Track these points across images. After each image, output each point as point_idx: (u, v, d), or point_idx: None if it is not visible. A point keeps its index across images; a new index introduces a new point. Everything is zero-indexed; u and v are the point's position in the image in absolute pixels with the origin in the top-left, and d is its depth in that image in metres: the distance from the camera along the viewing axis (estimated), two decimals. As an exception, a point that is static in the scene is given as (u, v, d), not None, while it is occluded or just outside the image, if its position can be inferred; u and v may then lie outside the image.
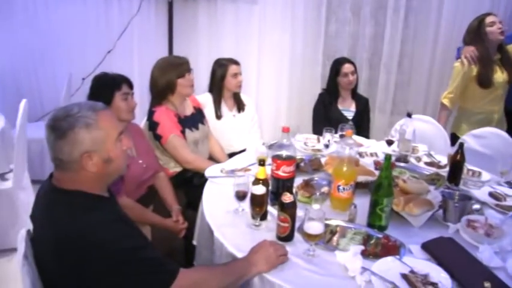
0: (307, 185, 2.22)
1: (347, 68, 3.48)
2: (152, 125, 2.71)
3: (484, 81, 3.15)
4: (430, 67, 3.87)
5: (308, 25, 3.91)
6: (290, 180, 2.02)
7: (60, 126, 1.37)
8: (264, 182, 1.90)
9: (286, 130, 2.02)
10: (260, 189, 1.84)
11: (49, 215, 1.40)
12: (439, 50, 3.82)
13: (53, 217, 1.39)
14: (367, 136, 3.49)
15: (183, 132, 2.76)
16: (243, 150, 3.17)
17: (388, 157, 1.87)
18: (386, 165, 1.86)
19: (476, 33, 3.18)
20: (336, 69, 3.52)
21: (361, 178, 2.19)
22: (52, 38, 4.08)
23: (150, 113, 2.74)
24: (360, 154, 2.76)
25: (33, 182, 3.29)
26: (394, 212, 1.95)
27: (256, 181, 1.90)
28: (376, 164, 2.59)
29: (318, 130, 3.36)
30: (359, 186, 2.15)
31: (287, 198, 1.73)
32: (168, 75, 2.74)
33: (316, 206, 2.03)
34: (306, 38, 3.94)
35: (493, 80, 3.16)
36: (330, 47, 4.03)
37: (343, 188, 2.01)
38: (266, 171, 1.94)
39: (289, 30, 3.91)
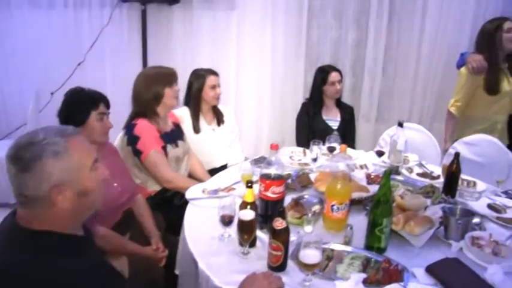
0: (296, 204, 2.07)
1: (334, 76, 3.34)
2: (132, 139, 2.52)
3: (492, 87, 3.02)
4: (415, 73, 3.77)
5: (289, 31, 3.76)
6: (280, 201, 1.86)
7: (22, 157, 1.17)
8: (252, 206, 1.74)
9: (274, 148, 1.86)
10: (249, 215, 1.68)
11: (14, 260, 1.17)
12: (424, 55, 3.72)
13: (18, 263, 1.16)
14: (353, 146, 3.37)
15: (164, 148, 2.58)
16: (224, 166, 3.04)
17: (387, 173, 1.73)
18: (385, 181, 1.72)
19: (491, 37, 3.03)
20: (322, 77, 3.37)
21: (354, 195, 2.04)
22: (17, 51, 3.84)
23: (130, 127, 2.54)
24: (349, 167, 2.62)
25: (0, 205, 3.09)
26: (392, 231, 1.81)
27: (244, 205, 1.74)
28: (368, 178, 2.44)
29: (302, 142, 3.22)
30: (352, 203, 2.01)
31: (279, 224, 1.57)
32: (156, 85, 2.59)
33: (308, 228, 1.90)
34: (286, 45, 3.79)
35: (501, 87, 3.04)
36: (312, 54, 3.88)
37: (338, 208, 1.86)
38: (254, 193, 1.77)
39: (269, 36, 3.75)
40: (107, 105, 2.21)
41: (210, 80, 2.98)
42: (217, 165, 3.08)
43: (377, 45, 3.74)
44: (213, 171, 2.82)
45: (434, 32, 3.68)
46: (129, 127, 2.55)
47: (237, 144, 3.26)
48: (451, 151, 2.82)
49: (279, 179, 1.82)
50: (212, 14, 3.73)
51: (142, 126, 2.52)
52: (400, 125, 2.59)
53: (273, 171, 1.82)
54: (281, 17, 3.72)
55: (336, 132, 3.36)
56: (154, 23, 3.76)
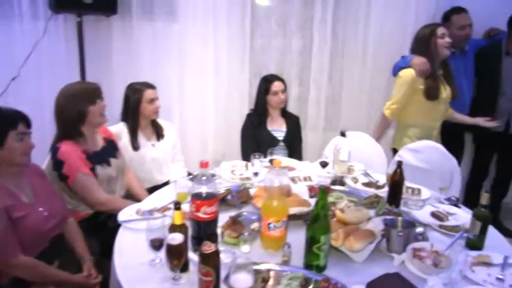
0: (234, 222, 1.97)
1: (277, 86, 3.28)
2: (57, 164, 2.36)
3: (432, 93, 3.03)
4: (361, 80, 3.76)
5: (232, 41, 3.65)
6: (212, 222, 1.76)
7: None
8: (182, 228, 1.63)
9: (204, 165, 1.75)
10: (177, 238, 1.57)
11: None
12: (369, 63, 3.72)
13: None
14: (300, 157, 3.31)
15: (93, 169, 2.43)
16: (167, 183, 2.91)
17: (323, 189, 1.65)
18: (321, 197, 1.64)
19: (427, 42, 3.04)
20: (265, 87, 3.30)
21: (294, 210, 1.97)
22: None
23: (54, 150, 2.38)
24: (293, 179, 2.55)
25: None
26: (332, 247, 1.74)
27: (173, 228, 1.63)
28: (311, 191, 2.38)
29: (247, 154, 3.13)
30: (292, 218, 1.93)
31: (207, 248, 1.47)
32: (79, 103, 2.41)
33: (245, 248, 1.81)
34: (230, 55, 3.69)
35: (440, 93, 3.05)
36: (257, 63, 3.80)
37: (275, 226, 1.78)
38: (184, 215, 1.66)
39: (212, 47, 3.64)
40: (27, 125, 2.05)
41: (148, 93, 2.86)
42: (159, 182, 2.96)
43: (322, 53, 3.70)
44: (155, 189, 2.68)
45: (378, 39, 3.68)
46: (53, 151, 2.40)
47: (179, 159, 3.14)
48: (396, 159, 2.80)
49: (211, 198, 1.72)
50: (153, 25, 3.58)
51: (66, 149, 2.37)
52: (343, 134, 2.55)
53: (204, 190, 1.73)
54: (223, 28, 3.62)
55: (281, 143, 3.30)
56: (92, 35, 3.58)
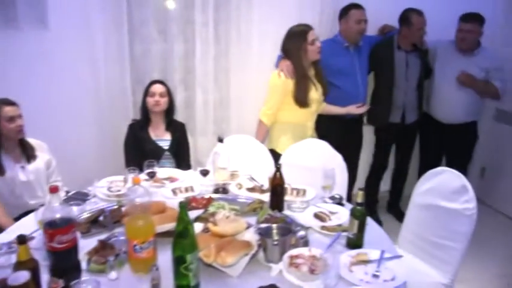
0: (104, 246, 1.81)
1: (155, 87, 3.17)
2: None
3: (301, 100, 3.02)
4: (247, 80, 3.68)
5: (109, 48, 3.39)
6: (72, 250, 1.60)
7: None
8: (29, 264, 1.45)
9: (54, 190, 1.58)
10: (21, 277, 1.38)
11: None
12: (254, 62, 3.65)
13: None
14: (188, 166, 3.19)
15: None
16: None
17: (182, 205, 1.54)
18: (182, 214, 1.53)
19: (296, 44, 3.01)
20: (146, 90, 3.21)
21: (165, 227, 1.84)
22: None
23: None
24: (174, 191, 2.43)
25: None
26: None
27: (18, 265, 1.44)
28: (190, 202, 2.26)
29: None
30: (165, 235, 1.79)
31: (54, 285, 1.32)
32: None
33: (112, 275, 1.67)
34: (108, 64, 3.42)
35: (309, 97, 3.04)
36: (138, 71, 3.57)
37: (141, 248, 1.65)
38: (29, 249, 1.48)
39: (88, 56, 3.38)
40: None
41: (5, 111, 2.57)
42: (34, 207, 2.66)
43: (205, 55, 3.55)
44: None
45: (263, 38, 3.62)
46: None
47: (55, 180, 2.88)
48: (281, 161, 2.77)
49: (66, 224, 1.56)
50: (19, 34, 3.22)
51: None
52: (220, 140, 2.46)
53: (57, 216, 1.55)
54: (99, 34, 3.35)
55: (167, 153, 3.16)
56: None
